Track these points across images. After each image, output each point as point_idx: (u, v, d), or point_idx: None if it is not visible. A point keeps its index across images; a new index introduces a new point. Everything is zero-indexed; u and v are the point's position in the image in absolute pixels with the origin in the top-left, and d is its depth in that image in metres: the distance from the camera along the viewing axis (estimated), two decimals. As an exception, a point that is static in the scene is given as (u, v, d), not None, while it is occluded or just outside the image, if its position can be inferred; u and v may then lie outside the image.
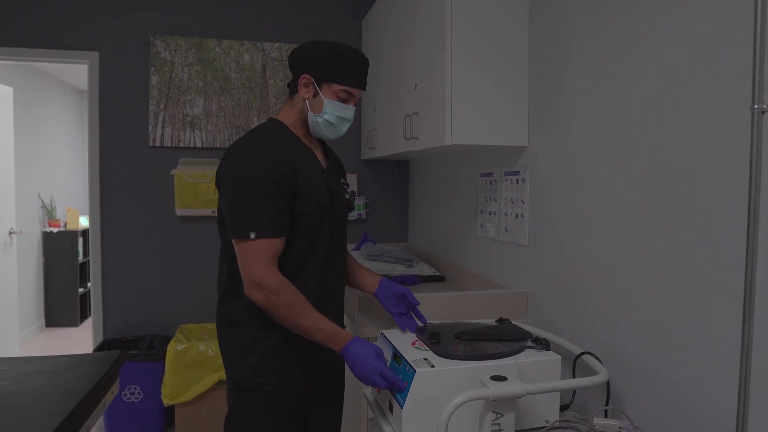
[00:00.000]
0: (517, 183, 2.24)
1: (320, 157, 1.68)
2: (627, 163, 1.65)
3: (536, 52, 2.11)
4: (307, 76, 1.56)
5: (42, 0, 3.23)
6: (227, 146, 3.45)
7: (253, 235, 1.46)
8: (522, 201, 2.21)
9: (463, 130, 2.10)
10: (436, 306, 2.08)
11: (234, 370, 1.59)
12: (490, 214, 2.48)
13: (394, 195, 3.77)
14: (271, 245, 1.49)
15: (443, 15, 2.11)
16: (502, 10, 2.13)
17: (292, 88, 1.63)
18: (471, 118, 2.11)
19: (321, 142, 1.75)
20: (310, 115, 1.59)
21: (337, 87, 1.57)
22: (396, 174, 3.76)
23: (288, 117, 1.63)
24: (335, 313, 1.71)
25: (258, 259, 1.47)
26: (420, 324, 1.79)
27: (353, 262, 1.86)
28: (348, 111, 1.60)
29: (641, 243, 1.60)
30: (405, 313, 1.78)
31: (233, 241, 1.51)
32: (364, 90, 1.63)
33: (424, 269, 2.84)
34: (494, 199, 2.43)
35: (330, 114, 1.58)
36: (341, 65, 1.56)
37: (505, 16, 2.13)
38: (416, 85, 2.42)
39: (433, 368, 1.47)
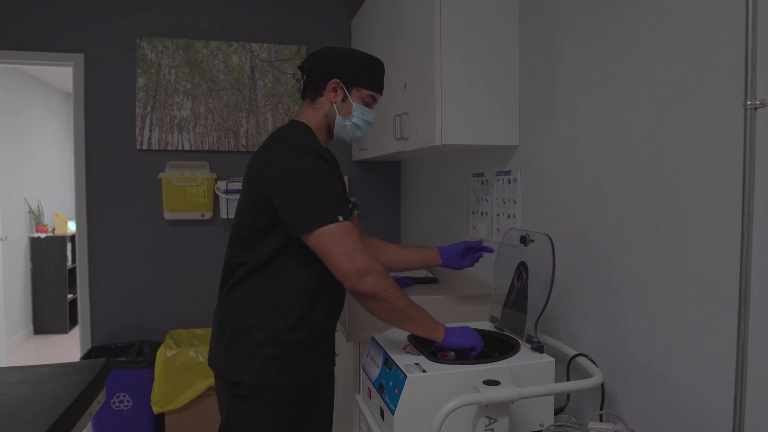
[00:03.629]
0: (509, 183, 2.22)
1: None
2: (620, 162, 1.63)
3: (527, 51, 2.09)
4: (337, 80, 1.60)
5: (25, 1, 3.19)
6: (216, 149, 3.41)
7: (341, 218, 1.42)
8: (514, 201, 2.18)
9: (453, 130, 2.07)
10: (430, 309, 2.05)
11: (234, 373, 1.56)
12: (482, 214, 2.45)
13: (385, 196, 3.74)
14: (354, 228, 1.46)
15: (432, 14, 2.08)
16: (491, 9, 2.10)
17: (314, 91, 1.63)
18: (461, 118, 2.08)
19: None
20: (338, 118, 1.62)
21: (365, 92, 1.63)
22: (387, 175, 3.73)
23: (311, 120, 1.63)
24: (338, 317, 1.72)
25: (356, 244, 1.41)
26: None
27: (393, 247, 1.89)
28: (372, 114, 1.66)
29: (635, 242, 1.57)
30: (476, 252, 1.87)
31: (316, 232, 1.41)
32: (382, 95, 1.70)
33: (417, 271, 2.81)
34: (486, 200, 2.40)
35: (358, 117, 1.63)
36: (369, 71, 1.62)
37: (495, 15, 2.11)
38: (406, 84, 2.39)
39: (424, 373, 1.44)
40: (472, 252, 1.86)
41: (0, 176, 4.86)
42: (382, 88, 1.67)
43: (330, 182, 1.46)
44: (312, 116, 1.63)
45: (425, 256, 1.87)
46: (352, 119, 1.62)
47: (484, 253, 1.90)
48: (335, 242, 1.41)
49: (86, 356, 3.17)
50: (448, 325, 1.63)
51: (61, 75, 5.52)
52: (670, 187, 1.45)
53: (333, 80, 1.60)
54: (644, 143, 1.53)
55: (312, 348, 1.60)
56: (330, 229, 1.41)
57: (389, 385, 1.50)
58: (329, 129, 1.65)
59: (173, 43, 3.34)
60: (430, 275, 2.83)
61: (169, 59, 3.34)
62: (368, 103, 1.64)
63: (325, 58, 1.61)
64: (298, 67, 1.69)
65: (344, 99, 1.61)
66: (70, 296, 5.64)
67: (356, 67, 1.61)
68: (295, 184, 1.45)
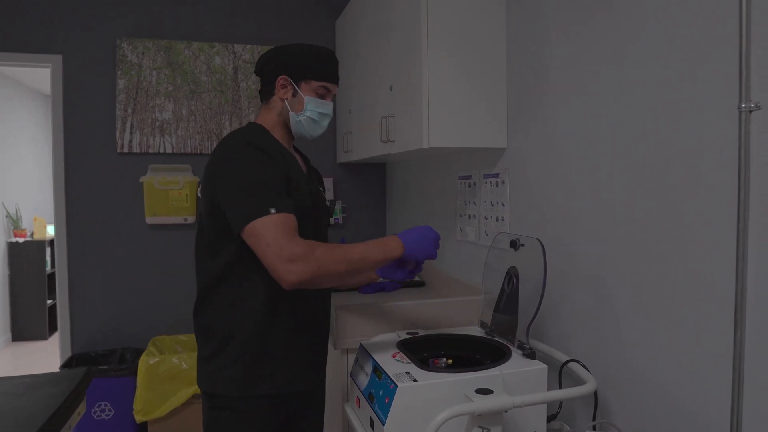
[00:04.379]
0: (497, 186, 2.19)
1: (300, 162, 1.67)
2: (611, 165, 1.61)
3: (514, 52, 2.07)
4: (284, 76, 1.56)
5: (1, 1, 3.10)
6: (199, 152, 3.35)
7: (273, 210, 1.36)
8: (502, 204, 2.16)
9: (441, 133, 2.05)
10: (418, 313, 2.02)
11: (212, 385, 1.51)
12: (469, 217, 2.42)
13: (371, 198, 3.70)
14: (292, 219, 1.39)
15: (419, 15, 2.05)
16: (478, 11, 2.08)
17: (267, 92, 1.61)
18: (448, 120, 2.05)
19: (296, 149, 1.73)
20: (292, 114, 1.58)
21: (315, 83, 1.58)
22: (373, 177, 3.70)
23: (266, 121, 1.61)
24: (324, 318, 1.65)
25: (282, 233, 1.33)
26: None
27: None
28: (327, 106, 1.61)
29: (628, 245, 1.55)
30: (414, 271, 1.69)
31: (246, 228, 1.36)
32: (337, 85, 1.64)
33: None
34: (473, 203, 2.38)
35: (311, 111, 1.58)
36: (316, 62, 1.57)
37: (482, 17, 2.08)
38: (392, 86, 2.36)
39: (415, 382, 1.41)
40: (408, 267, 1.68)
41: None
42: (336, 78, 1.61)
43: (262, 174, 1.41)
44: (266, 117, 1.61)
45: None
46: (305, 113, 1.57)
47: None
48: (257, 236, 1.34)
49: (66, 365, 3.09)
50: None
51: (40, 76, 5.41)
52: (663, 190, 1.43)
53: (280, 77, 1.56)
54: (636, 145, 1.51)
55: (290, 355, 1.53)
56: (255, 224, 1.35)
57: (379, 395, 1.47)
58: (286, 127, 1.61)
59: (154, 44, 3.28)
60: (417, 278, 2.80)
61: (150, 60, 3.28)
62: (322, 95, 1.59)
63: (272, 57, 1.58)
64: (254, 72, 1.66)
65: (294, 94, 1.57)
66: (49, 302, 5.53)
67: (303, 60, 1.56)
68: (227, 181, 1.42)
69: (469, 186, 2.41)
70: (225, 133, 3.38)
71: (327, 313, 1.67)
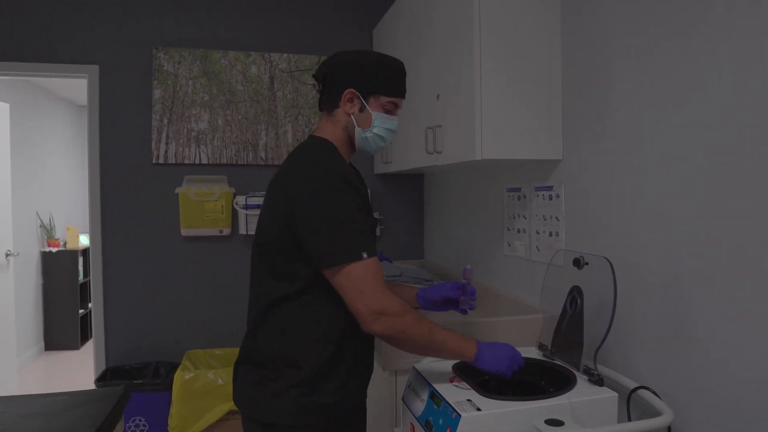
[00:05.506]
0: (550, 199, 2.09)
1: None
2: (679, 177, 1.50)
3: (571, 59, 1.97)
4: (352, 90, 1.46)
5: (38, 12, 3.10)
6: (234, 162, 3.30)
7: (365, 255, 1.31)
8: (556, 218, 2.05)
9: (495, 144, 1.95)
10: (472, 332, 1.93)
11: (269, 413, 1.42)
12: (518, 231, 2.32)
13: (408, 210, 3.62)
14: (379, 265, 1.36)
15: (470, 22, 1.96)
16: (531, 14, 1.98)
17: (330, 102, 1.51)
18: (502, 131, 1.96)
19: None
20: (358, 130, 1.49)
21: (384, 99, 1.48)
22: (410, 188, 3.61)
23: (332, 134, 1.51)
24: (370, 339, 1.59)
25: (375, 283, 1.32)
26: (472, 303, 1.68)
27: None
28: (394, 122, 1.53)
29: (705, 261, 1.43)
30: (457, 305, 1.69)
31: (336, 269, 1.32)
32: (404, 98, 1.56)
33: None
34: (523, 216, 2.27)
35: (379, 128, 1.49)
36: (387, 76, 1.48)
37: (536, 23, 1.99)
38: (438, 95, 2.27)
39: (479, 412, 1.31)
40: (453, 303, 1.68)
41: (11, 190, 4.77)
42: (404, 91, 1.52)
43: (357, 214, 1.35)
44: (332, 131, 1.51)
45: (405, 297, 1.70)
46: (372, 130, 1.49)
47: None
48: (351, 281, 1.32)
49: (100, 378, 3.04)
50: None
51: (73, 87, 5.45)
52: (736, 200, 1.31)
53: (348, 90, 1.46)
54: (711, 156, 1.40)
55: (351, 377, 1.47)
56: (349, 267, 1.31)
57: (439, 424, 1.37)
58: (351, 142, 1.53)
59: (190, 53, 3.25)
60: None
61: (186, 70, 3.24)
62: (389, 111, 1.50)
63: (337, 66, 1.48)
64: (313, 76, 1.56)
65: (362, 109, 1.47)
66: (81, 311, 5.54)
67: (372, 73, 1.46)
68: (320, 216, 1.33)
69: (519, 199, 2.31)
70: (261, 143, 3.33)
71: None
